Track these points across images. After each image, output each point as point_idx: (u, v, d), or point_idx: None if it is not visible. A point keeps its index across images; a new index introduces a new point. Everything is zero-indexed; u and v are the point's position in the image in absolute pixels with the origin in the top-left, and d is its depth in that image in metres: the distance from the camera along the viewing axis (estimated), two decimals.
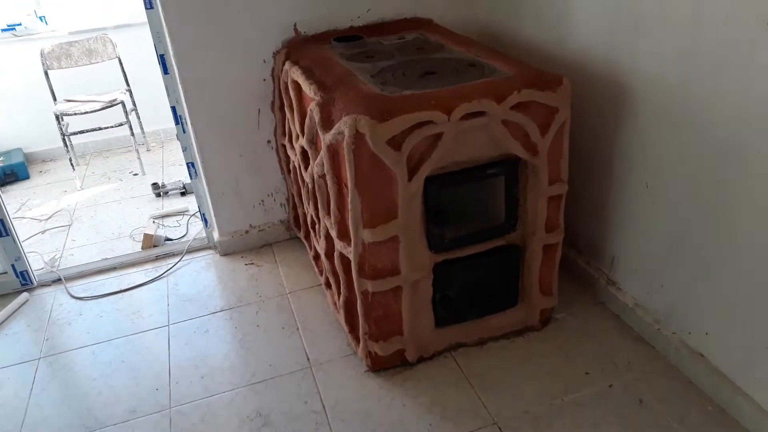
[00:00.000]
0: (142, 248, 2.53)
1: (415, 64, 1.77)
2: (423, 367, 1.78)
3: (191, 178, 2.35)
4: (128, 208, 2.98)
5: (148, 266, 2.43)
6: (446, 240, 1.61)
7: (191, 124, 2.20)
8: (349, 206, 1.50)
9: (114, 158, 3.70)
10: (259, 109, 2.23)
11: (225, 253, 2.44)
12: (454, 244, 1.64)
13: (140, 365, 1.91)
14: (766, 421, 1.41)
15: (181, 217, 2.76)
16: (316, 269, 2.22)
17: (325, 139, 1.50)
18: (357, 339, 1.75)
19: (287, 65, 1.98)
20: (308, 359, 1.85)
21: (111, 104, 3.23)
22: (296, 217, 2.38)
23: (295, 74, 1.86)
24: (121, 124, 3.29)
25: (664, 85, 1.49)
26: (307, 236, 2.27)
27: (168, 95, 2.20)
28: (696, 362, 1.60)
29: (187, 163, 2.32)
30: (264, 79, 2.19)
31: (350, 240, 1.56)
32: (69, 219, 2.92)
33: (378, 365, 1.75)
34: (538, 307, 1.82)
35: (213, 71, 2.12)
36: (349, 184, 1.47)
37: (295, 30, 2.14)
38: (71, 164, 3.29)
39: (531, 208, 1.66)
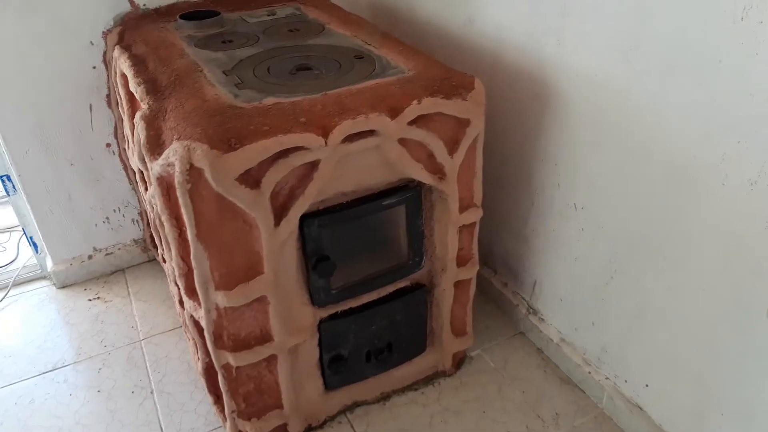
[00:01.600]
0: None
1: (285, 54, 1.35)
2: None
3: (8, 194, 1.81)
4: None
5: None
6: (333, 291, 1.23)
7: None
8: (193, 263, 1.08)
9: None
10: (90, 105, 1.72)
11: (63, 285, 1.94)
12: (344, 295, 1.26)
13: None
14: None
15: (8, 236, 2.20)
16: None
17: (153, 169, 1.06)
18: (224, 413, 1.35)
19: (117, 51, 1.48)
20: None
21: None
22: (153, 236, 1.91)
23: (124, 66, 1.38)
24: None
25: (599, 85, 1.17)
26: None
27: None
28: (635, 416, 1.34)
29: (1, 177, 1.78)
30: (94, 67, 1.68)
31: (200, 301, 1.14)
32: None
33: None
34: (450, 351, 1.50)
35: (20, 58, 1.58)
36: (189, 235, 1.05)
37: (131, 2, 1.63)
38: None
39: (439, 240, 1.32)
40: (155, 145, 1.07)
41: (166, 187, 1.08)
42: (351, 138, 1.06)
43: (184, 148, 0.97)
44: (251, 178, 1.01)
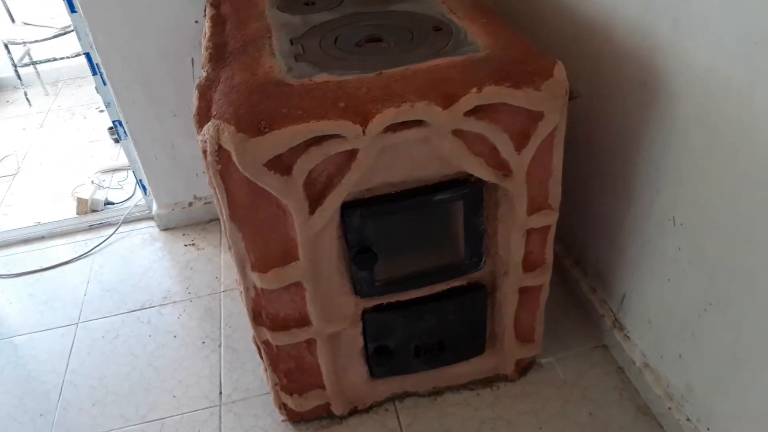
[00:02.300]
0: (77, 213, 2.17)
1: (360, 22, 1.25)
2: (355, 422, 1.39)
3: (120, 139, 1.93)
4: (82, 156, 2.61)
5: (79, 237, 2.09)
6: (377, 283, 1.16)
7: (108, 77, 1.75)
8: (229, 242, 1.06)
9: (88, 87, 3.29)
10: (192, 59, 1.76)
11: (165, 228, 2.06)
12: (390, 288, 1.19)
13: (33, 376, 1.60)
14: None
15: (126, 174, 2.37)
16: None
17: (199, 140, 1.03)
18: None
19: (207, 9, 1.48)
20: (220, 393, 1.49)
21: (64, 31, 2.78)
22: None
23: (206, 26, 1.36)
24: (78, 54, 2.86)
25: (716, 82, 0.94)
26: None
27: (79, 39, 1.75)
28: None
29: (113, 122, 1.90)
30: (196, 21, 1.70)
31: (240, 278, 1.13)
32: (16, 166, 2.58)
33: (297, 418, 1.37)
34: (513, 357, 1.38)
35: (128, 10, 1.64)
36: (224, 215, 1.02)
37: None
38: (26, 99, 2.91)
39: (502, 242, 1.18)
40: (203, 118, 1.04)
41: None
42: (395, 128, 0.95)
43: (215, 128, 0.93)
44: (282, 164, 0.95)
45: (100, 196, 2.21)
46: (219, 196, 1.00)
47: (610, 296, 1.45)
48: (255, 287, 1.11)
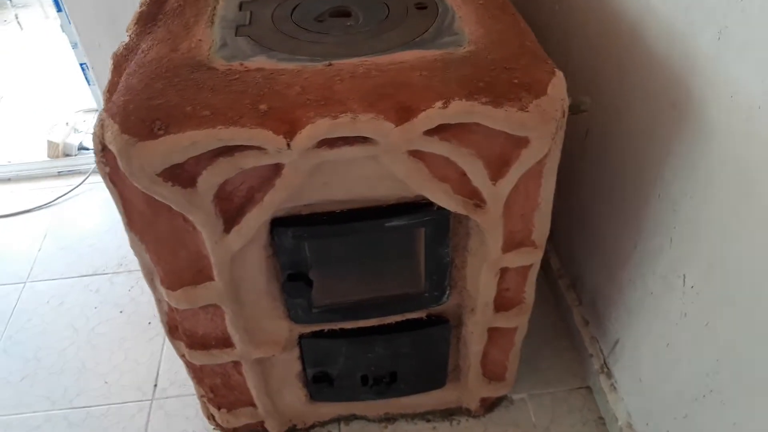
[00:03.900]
0: (48, 157, 2.01)
1: None
2: None
3: (89, 84, 1.74)
4: (68, 85, 2.42)
5: (46, 184, 1.94)
6: (316, 310, 0.97)
7: (71, 16, 1.55)
8: (132, 251, 0.88)
9: None
10: None
11: None
12: (331, 316, 1.00)
13: None
14: None
15: None
16: None
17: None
18: None
19: None
20: (155, 386, 1.36)
21: None
22: None
23: None
24: None
25: (763, 122, 0.70)
26: None
27: None
28: None
29: (80, 65, 1.70)
30: None
31: None
32: None
33: (228, 429, 1.22)
34: (477, 395, 1.20)
35: None
36: (123, 223, 0.84)
37: None
38: (17, 22, 2.71)
39: (471, 276, 0.98)
40: (110, 92, 0.84)
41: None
42: (332, 143, 0.74)
43: (99, 123, 0.73)
44: (183, 175, 0.75)
45: (75, 140, 2.04)
46: (114, 201, 0.81)
47: (602, 335, 1.25)
48: (166, 302, 0.94)
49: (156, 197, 0.75)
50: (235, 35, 0.88)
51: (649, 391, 1.07)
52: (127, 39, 0.91)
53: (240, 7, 0.96)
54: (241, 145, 0.72)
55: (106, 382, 1.37)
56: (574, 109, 0.87)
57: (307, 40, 0.87)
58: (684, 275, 0.91)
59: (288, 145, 0.72)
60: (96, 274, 1.63)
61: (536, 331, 1.38)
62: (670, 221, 0.93)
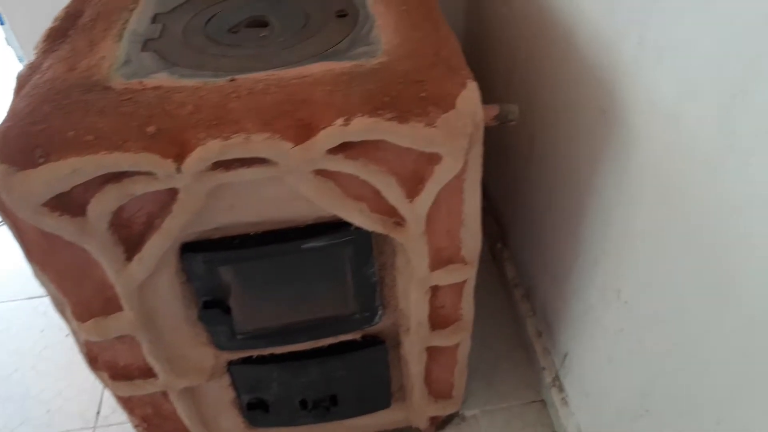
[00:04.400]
0: None
1: None
2: None
3: None
4: None
5: None
6: (240, 336, 0.93)
7: (15, 31, 1.50)
8: (38, 282, 0.83)
9: None
10: None
11: None
12: (257, 342, 0.96)
13: None
14: None
15: None
16: None
17: None
18: None
19: None
20: (98, 413, 1.31)
21: None
22: None
23: None
24: None
25: (685, 136, 0.66)
26: None
27: None
28: None
29: None
30: None
31: None
32: None
33: None
34: (424, 414, 1.16)
35: None
36: (22, 253, 0.79)
37: None
38: None
39: (403, 295, 0.94)
40: None
41: None
42: (228, 164, 0.70)
43: None
44: (72, 203, 0.71)
45: None
46: (10, 232, 0.76)
47: (554, 347, 1.21)
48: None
49: (44, 228, 0.71)
50: (141, 50, 0.84)
51: (595, 406, 1.03)
52: (33, 57, 0.87)
53: (153, 20, 0.91)
54: (129, 171, 0.68)
55: (48, 411, 1.33)
56: (502, 119, 0.83)
57: (215, 54, 0.82)
58: (619, 290, 0.87)
59: (178, 169, 0.67)
60: (44, 296, 1.58)
61: (492, 343, 1.35)
62: (603, 232, 0.89)
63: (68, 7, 0.98)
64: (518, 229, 1.34)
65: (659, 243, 0.74)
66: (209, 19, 0.91)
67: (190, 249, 0.81)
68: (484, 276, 1.44)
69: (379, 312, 0.96)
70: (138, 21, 0.91)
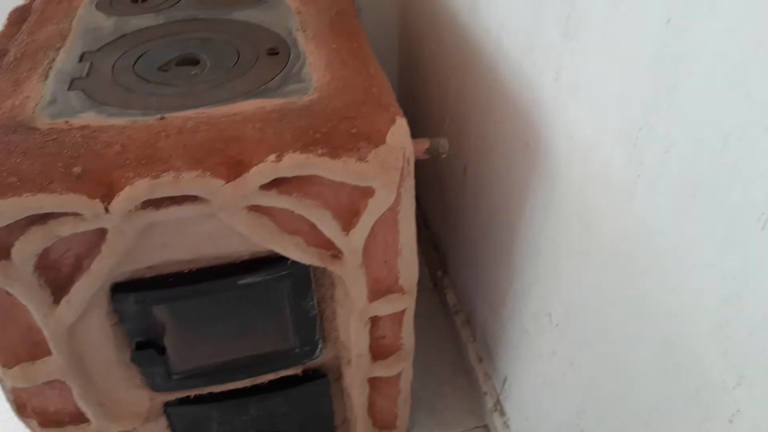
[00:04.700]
0: None
1: (184, 33, 0.98)
2: None
3: None
4: None
5: None
6: (176, 377, 0.91)
7: None
8: None
9: None
10: None
11: None
12: (194, 382, 0.94)
13: None
14: None
15: None
16: None
17: None
18: None
19: None
20: None
21: None
22: None
23: (5, 20, 1.07)
24: None
25: (599, 167, 0.70)
26: None
27: None
28: None
29: None
30: None
31: None
32: None
33: None
34: None
35: None
36: None
37: None
38: None
39: (343, 327, 0.94)
40: None
41: None
42: (158, 203, 0.69)
43: None
44: None
45: None
46: None
47: (494, 372, 1.23)
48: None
49: None
50: (68, 89, 0.82)
51: (534, 429, 1.05)
52: None
53: (81, 58, 0.90)
54: (55, 212, 0.67)
55: None
56: (433, 152, 0.86)
57: (144, 93, 0.82)
58: (550, 313, 0.90)
59: (106, 209, 0.67)
60: None
61: (435, 370, 1.36)
62: (534, 259, 0.93)
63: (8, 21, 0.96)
64: (457, 257, 1.37)
65: (582, 268, 0.78)
66: (138, 58, 0.91)
67: (121, 289, 0.79)
68: (426, 303, 1.46)
69: (320, 345, 0.96)
70: (65, 60, 0.90)
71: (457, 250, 1.37)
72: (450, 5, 1.12)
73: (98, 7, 1.05)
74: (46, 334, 0.78)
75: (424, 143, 0.84)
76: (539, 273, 0.92)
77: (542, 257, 0.90)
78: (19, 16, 1.07)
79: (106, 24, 0.99)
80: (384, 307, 0.91)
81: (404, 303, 0.93)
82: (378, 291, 0.90)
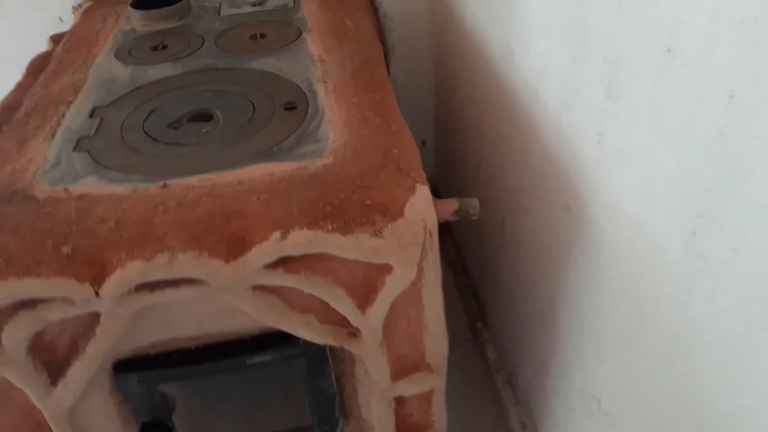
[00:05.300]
0: None
1: (201, 83, 0.93)
2: None
3: None
4: None
5: None
6: None
7: None
8: None
9: None
10: None
11: None
12: None
13: None
14: None
15: None
16: None
17: None
18: None
19: (48, 41, 1.17)
20: None
21: None
22: None
23: (24, 70, 1.06)
24: None
25: (651, 247, 0.60)
26: None
27: None
28: None
29: None
30: None
31: None
32: None
33: None
34: None
35: None
36: None
37: None
38: None
39: (365, 404, 0.86)
40: None
41: None
42: (152, 286, 0.63)
43: None
44: None
45: None
46: None
47: None
48: None
49: None
50: (74, 149, 0.78)
51: None
52: None
53: (91, 114, 0.86)
54: (43, 297, 0.62)
55: None
56: (463, 214, 0.78)
57: (150, 154, 0.77)
58: (599, 399, 0.79)
59: (96, 293, 0.61)
60: None
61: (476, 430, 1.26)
62: (578, 332, 0.83)
63: (7, 98, 0.94)
64: (498, 311, 1.27)
65: (632, 357, 0.67)
66: (150, 113, 0.86)
67: (123, 368, 0.74)
68: (465, 356, 1.36)
69: (340, 424, 0.88)
70: (75, 115, 0.87)
71: (497, 303, 1.27)
72: (484, 48, 1.04)
73: (117, 55, 1.02)
74: (46, 416, 0.73)
75: (453, 204, 0.75)
76: (584, 350, 0.82)
77: (587, 333, 0.80)
78: (38, 65, 1.05)
79: (123, 74, 0.96)
80: (409, 387, 0.82)
81: (432, 383, 0.84)
82: (402, 370, 0.81)
